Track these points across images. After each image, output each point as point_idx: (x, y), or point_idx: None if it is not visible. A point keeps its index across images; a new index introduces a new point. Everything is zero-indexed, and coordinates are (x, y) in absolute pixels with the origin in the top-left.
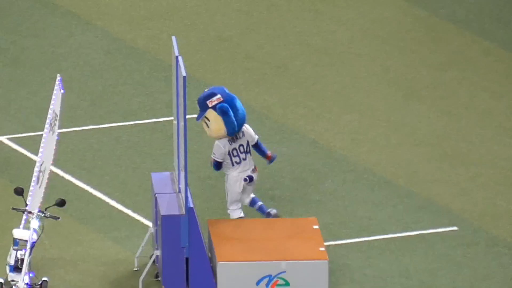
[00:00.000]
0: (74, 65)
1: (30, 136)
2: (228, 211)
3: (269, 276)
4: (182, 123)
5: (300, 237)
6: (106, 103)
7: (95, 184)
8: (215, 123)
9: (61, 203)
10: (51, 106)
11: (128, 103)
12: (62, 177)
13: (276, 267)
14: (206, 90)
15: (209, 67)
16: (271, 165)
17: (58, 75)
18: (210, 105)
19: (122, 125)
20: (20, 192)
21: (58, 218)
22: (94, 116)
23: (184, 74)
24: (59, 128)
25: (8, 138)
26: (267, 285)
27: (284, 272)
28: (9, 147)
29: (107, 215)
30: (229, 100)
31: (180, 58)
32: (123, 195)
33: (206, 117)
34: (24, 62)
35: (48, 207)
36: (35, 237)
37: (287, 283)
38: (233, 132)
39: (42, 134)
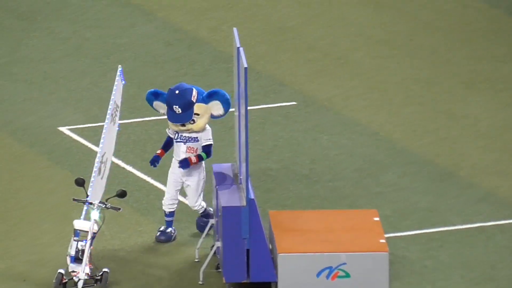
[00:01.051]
0: (134, 56)
1: (90, 127)
2: (198, 206)
3: (330, 267)
4: (243, 114)
5: (361, 228)
6: None
7: (156, 175)
8: (205, 116)
9: (122, 194)
10: (112, 97)
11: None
12: (123, 168)
13: (336, 258)
14: (176, 92)
15: (270, 58)
16: (329, 157)
17: (119, 66)
18: (194, 100)
19: None
20: (81, 183)
21: (119, 209)
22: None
23: (245, 65)
24: (120, 119)
25: (69, 129)
26: (327, 276)
27: (345, 263)
28: (70, 137)
29: None
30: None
31: (241, 49)
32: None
33: (195, 113)
34: (85, 52)
35: (108, 198)
36: (96, 228)
37: (348, 275)
38: (228, 110)
39: (102, 125)
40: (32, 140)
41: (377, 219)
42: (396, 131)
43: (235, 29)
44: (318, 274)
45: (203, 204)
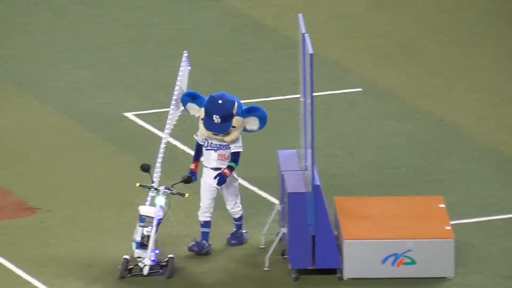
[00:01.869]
0: (198, 41)
1: (155, 112)
2: (237, 208)
3: (395, 254)
4: (308, 101)
5: (426, 215)
6: (230, 80)
7: None
8: (239, 130)
9: (187, 180)
10: (177, 83)
11: (252, 80)
12: (189, 154)
13: (402, 245)
14: (219, 102)
15: (335, 45)
16: (394, 143)
17: (185, 51)
18: (235, 113)
19: (248, 102)
20: (146, 168)
21: (185, 195)
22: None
23: (311, 51)
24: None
25: (134, 114)
26: (393, 263)
27: (410, 250)
28: (135, 123)
29: None
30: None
31: (307, 35)
32: (248, 173)
33: (232, 126)
34: (147, 38)
35: (174, 184)
36: (161, 214)
37: (413, 262)
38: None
39: (167, 111)
40: (96, 125)
41: (442, 205)
42: (460, 118)
43: (300, 15)
44: (384, 261)
45: (241, 210)
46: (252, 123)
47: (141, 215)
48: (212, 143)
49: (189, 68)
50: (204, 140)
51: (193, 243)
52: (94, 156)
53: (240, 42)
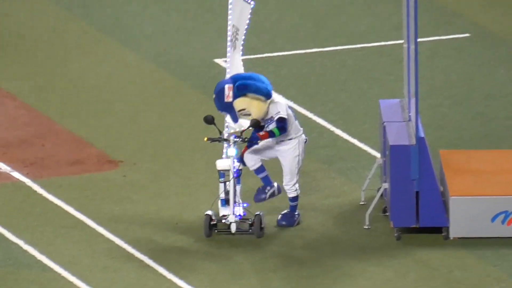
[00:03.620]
0: None
1: (246, 58)
2: (292, 186)
3: (506, 212)
4: (412, 47)
5: None
6: (331, 24)
7: (318, 111)
8: (254, 104)
9: (256, 124)
10: (229, 22)
11: (355, 24)
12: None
13: None
14: (213, 97)
15: None
16: (504, 92)
17: None
18: (230, 100)
19: (347, 48)
20: (210, 120)
21: (258, 141)
22: (317, 38)
23: None
24: (279, 50)
25: (225, 61)
26: (503, 221)
27: None
28: (225, 70)
29: (331, 145)
30: (235, 79)
31: None
32: (348, 123)
33: (241, 110)
34: None
35: (243, 131)
36: (237, 164)
37: None
38: (269, 93)
39: (261, 57)
40: (186, 72)
41: None
42: None
43: None
44: (493, 219)
45: (296, 190)
46: (257, 97)
47: (219, 171)
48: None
49: (253, 4)
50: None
51: (280, 216)
52: (183, 106)
53: None
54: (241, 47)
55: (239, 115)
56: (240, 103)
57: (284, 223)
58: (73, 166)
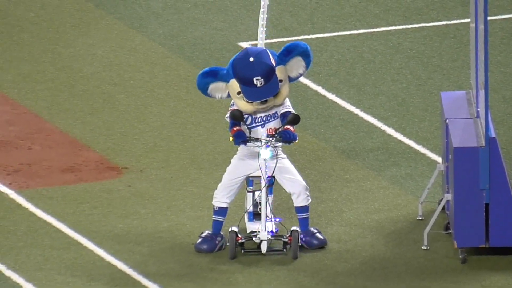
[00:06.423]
0: None
1: (278, 41)
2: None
3: None
4: (481, 27)
5: None
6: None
7: (367, 106)
8: (287, 81)
9: (294, 120)
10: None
11: (408, 0)
12: (324, 96)
13: None
14: (251, 60)
15: None
16: None
17: None
18: (274, 63)
19: (402, 29)
20: (238, 116)
21: (292, 140)
22: (366, 17)
23: None
24: (317, 32)
25: (251, 45)
26: None
27: None
28: None
29: (382, 147)
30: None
31: None
32: (403, 121)
33: (279, 80)
34: None
35: (278, 129)
36: (270, 171)
37: None
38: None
39: (293, 39)
40: (204, 58)
41: None
42: None
43: None
44: None
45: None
46: (296, 65)
47: (246, 177)
48: (257, 117)
49: None
50: (247, 117)
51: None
52: (200, 99)
53: None
54: (262, 28)
55: (258, 108)
56: (280, 71)
57: (316, 242)
58: (67, 174)
